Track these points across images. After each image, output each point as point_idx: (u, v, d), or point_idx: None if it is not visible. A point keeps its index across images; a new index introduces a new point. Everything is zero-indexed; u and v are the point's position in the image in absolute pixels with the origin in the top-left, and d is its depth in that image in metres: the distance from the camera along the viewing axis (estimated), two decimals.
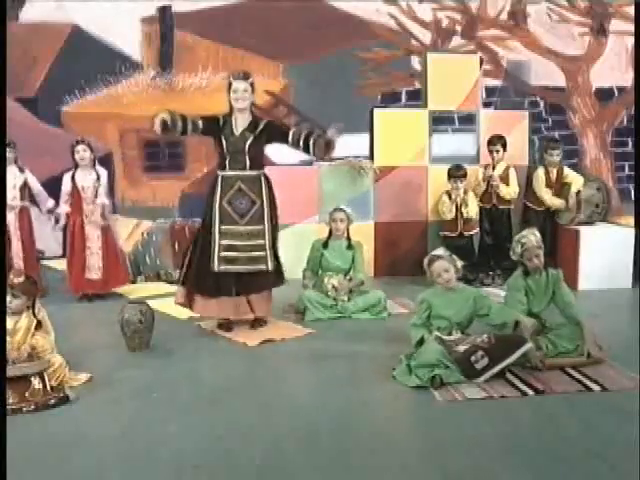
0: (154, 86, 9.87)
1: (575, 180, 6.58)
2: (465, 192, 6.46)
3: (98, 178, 6.08)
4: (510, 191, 6.58)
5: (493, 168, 6.59)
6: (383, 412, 3.64)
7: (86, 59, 9.37)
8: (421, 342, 4.08)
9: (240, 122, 4.85)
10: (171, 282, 6.79)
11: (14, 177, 6.06)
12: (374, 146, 7.05)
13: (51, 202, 6.26)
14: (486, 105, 8.49)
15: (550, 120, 10.14)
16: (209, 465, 2.98)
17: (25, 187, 6.18)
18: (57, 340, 3.99)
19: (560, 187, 6.57)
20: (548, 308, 4.38)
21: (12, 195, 6.01)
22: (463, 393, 3.72)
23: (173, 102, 9.44)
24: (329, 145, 4.77)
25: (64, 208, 6.11)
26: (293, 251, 5.78)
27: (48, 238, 6.96)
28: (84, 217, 6.05)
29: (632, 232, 6.41)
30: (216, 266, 4.81)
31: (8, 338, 3.68)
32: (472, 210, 6.45)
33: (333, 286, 5.48)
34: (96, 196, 6.06)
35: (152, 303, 4.98)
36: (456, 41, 9.86)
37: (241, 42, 9.80)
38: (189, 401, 3.72)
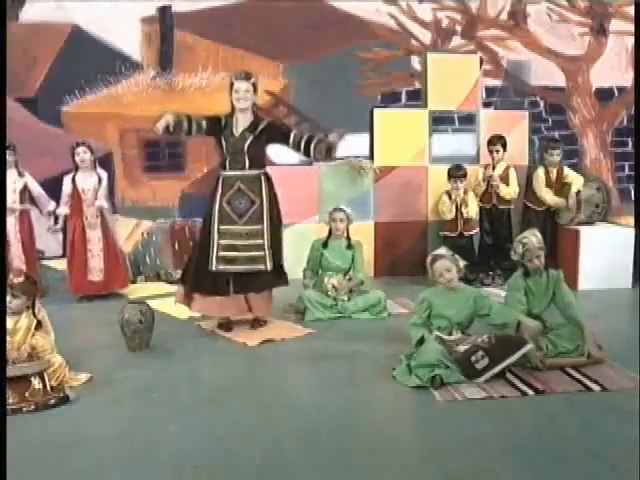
0: (154, 86, 9.87)
1: (575, 180, 6.58)
2: (465, 192, 6.46)
3: (100, 181, 6.08)
4: (510, 191, 6.58)
5: (493, 168, 6.59)
6: (383, 412, 3.64)
7: (86, 59, 9.37)
8: (421, 341, 4.08)
9: (241, 122, 4.86)
10: (171, 282, 6.80)
11: (14, 181, 6.05)
12: (374, 146, 7.05)
13: (52, 204, 6.24)
14: (486, 105, 8.49)
15: (550, 120, 10.14)
16: (209, 465, 2.98)
17: (25, 191, 6.18)
18: (57, 340, 3.99)
19: (560, 187, 6.57)
20: (548, 309, 4.38)
21: (12, 199, 6.00)
22: (463, 393, 3.72)
23: (173, 102, 9.45)
24: (330, 150, 4.78)
25: (64, 210, 6.12)
26: (293, 251, 5.78)
27: (48, 238, 6.96)
28: (84, 219, 6.05)
29: (632, 232, 6.41)
30: (214, 266, 4.81)
31: (8, 338, 3.68)
32: (472, 210, 6.45)
33: (333, 286, 5.48)
34: (96, 198, 6.06)
35: (152, 303, 4.98)
36: (456, 41, 9.86)
37: (241, 42, 9.80)
38: (189, 401, 3.72)
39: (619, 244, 6.36)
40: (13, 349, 3.71)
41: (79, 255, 6.04)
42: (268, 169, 5.01)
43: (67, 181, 6.07)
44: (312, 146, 4.77)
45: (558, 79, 10.00)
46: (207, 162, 9.37)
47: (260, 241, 4.84)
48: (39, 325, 3.89)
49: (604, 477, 2.86)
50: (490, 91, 9.63)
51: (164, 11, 9.80)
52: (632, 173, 9.65)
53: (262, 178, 4.90)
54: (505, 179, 6.58)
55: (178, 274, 6.88)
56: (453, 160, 6.75)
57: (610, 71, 9.97)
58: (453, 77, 7.04)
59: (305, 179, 6.81)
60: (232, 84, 4.83)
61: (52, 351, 3.88)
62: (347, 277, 5.59)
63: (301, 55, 9.95)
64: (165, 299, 5.94)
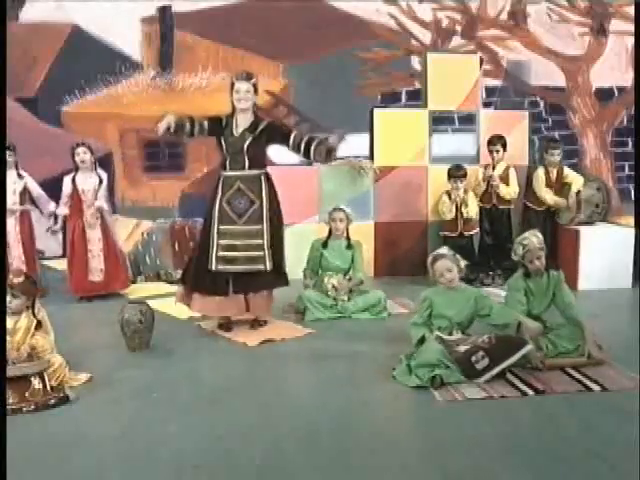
0: (154, 86, 9.87)
1: (575, 180, 6.58)
2: (465, 192, 6.46)
3: (100, 181, 6.08)
4: (510, 191, 6.58)
5: (493, 168, 6.59)
6: (383, 412, 3.64)
7: (86, 59, 9.37)
8: (421, 341, 4.08)
9: (241, 123, 4.86)
10: (171, 282, 6.80)
11: (14, 182, 6.05)
12: (374, 146, 7.05)
13: (52, 205, 6.23)
14: (486, 105, 8.49)
15: (550, 120, 10.14)
16: (209, 465, 2.98)
17: (25, 192, 6.17)
18: (57, 340, 3.99)
19: (560, 187, 6.57)
20: (548, 309, 4.38)
21: (12, 200, 6.00)
22: (463, 393, 3.72)
23: (173, 102, 9.46)
24: (330, 152, 4.78)
25: (63, 210, 6.11)
26: (293, 251, 5.77)
27: (48, 238, 6.96)
28: (84, 220, 6.05)
29: (632, 232, 6.41)
30: (214, 266, 4.81)
31: (8, 338, 3.68)
32: (472, 210, 6.45)
33: (333, 286, 5.48)
34: (96, 199, 6.06)
35: (152, 303, 4.98)
36: (456, 41, 9.86)
37: (241, 42, 9.80)
38: (189, 401, 3.72)
39: (619, 244, 6.36)
40: (13, 349, 3.71)
41: (79, 256, 6.04)
42: (268, 169, 5.01)
43: (67, 181, 6.07)
44: (312, 148, 4.77)
45: (558, 79, 10.00)
46: (207, 162, 9.37)
47: (259, 241, 4.84)
48: (39, 325, 3.89)
49: (604, 477, 2.86)
50: (490, 91, 9.63)
51: (164, 11, 9.80)
52: (632, 173, 9.65)
53: (262, 178, 4.90)
54: (505, 179, 6.58)
55: (178, 274, 6.89)
56: (453, 160, 6.75)
57: (610, 71, 9.97)
58: (453, 77, 7.04)
59: (305, 179, 6.81)
60: (233, 84, 4.83)
61: (52, 351, 3.88)
62: (347, 277, 5.59)
63: (301, 55, 9.95)
64: (165, 299, 5.94)
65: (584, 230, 6.40)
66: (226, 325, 5.05)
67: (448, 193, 6.50)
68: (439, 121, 7.89)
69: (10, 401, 3.52)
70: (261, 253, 4.83)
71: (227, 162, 4.88)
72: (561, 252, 6.36)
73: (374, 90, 9.85)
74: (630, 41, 9.04)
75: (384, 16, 9.67)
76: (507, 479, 2.85)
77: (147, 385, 3.95)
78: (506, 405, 3.60)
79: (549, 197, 6.54)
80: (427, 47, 9.60)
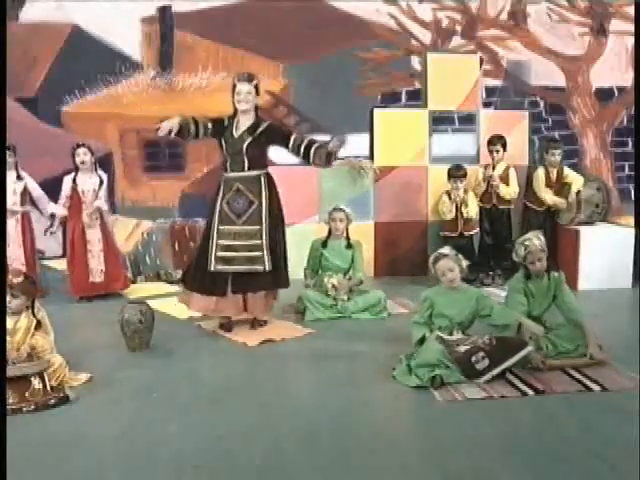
0: (154, 86, 9.86)
1: (575, 180, 6.58)
2: (465, 192, 6.46)
3: (100, 182, 6.08)
4: (510, 191, 6.58)
5: (493, 168, 6.59)
6: (383, 412, 3.64)
7: (86, 59, 9.36)
8: (422, 341, 4.08)
9: (242, 124, 4.87)
10: (171, 282, 6.81)
11: (14, 182, 6.05)
12: (374, 146, 7.06)
13: (52, 206, 6.22)
14: (486, 105, 8.49)
15: (550, 120, 10.13)
16: (209, 465, 2.98)
17: (25, 192, 6.17)
18: (57, 340, 3.99)
19: (560, 187, 6.57)
20: (549, 309, 4.38)
21: (12, 201, 5.99)
22: (463, 393, 3.72)
23: (173, 102, 9.46)
24: (330, 156, 4.77)
25: (61, 211, 6.11)
26: (293, 251, 5.74)
27: (48, 238, 6.94)
28: (82, 220, 6.04)
29: (632, 232, 6.41)
30: (213, 266, 4.82)
31: (8, 338, 3.68)
32: (472, 210, 6.45)
33: (333, 285, 5.48)
34: (97, 198, 6.06)
35: (152, 303, 4.98)
36: (456, 41, 9.86)
37: (241, 42, 9.79)
38: (189, 401, 3.72)
39: (619, 244, 6.36)
40: (13, 349, 3.71)
41: (79, 256, 6.04)
42: (269, 169, 5.01)
43: (67, 181, 6.07)
44: (312, 151, 4.77)
45: (558, 79, 10.00)
46: (207, 162, 9.37)
47: (258, 242, 4.83)
48: (39, 325, 3.88)
49: (604, 477, 2.86)
50: (490, 91, 9.62)
51: (164, 11, 9.79)
52: (632, 173, 9.65)
53: (262, 179, 4.90)
54: (505, 179, 6.58)
55: (178, 274, 6.91)
56: (453, 160, 6.75)
57: (610, 71, 9.97)
58: (453, 77, 7.04)
59: (305, 179, 6.80)
60: (234, 85, 4.84)
61: (52, 351, 3.88)
62: (347, 277, 5.59)
63: (301, 55, 9.94)
64: (165, 299, 5.95)
65: (584, 230, 6.40)
66: (226, 325, 5.06)
67: (448, 193, 6.50)
68: (439, 121, 7.89)
69: (10, 401, 3.52)
70: (260, 253, 4.83)
71: (227, 163, 4.90)
72: (561, 252, 6.36)
73: (374, 90, 9.85)
74: (630, 41, 9.04)
75: (384, 16, 9.67)
76: (507, 479, 2.85)
77: (147, 385, 3.95)
78: (506, 405, 3.60)
79: (548, 197, 6.54)
80: (427, 47, 9.60)
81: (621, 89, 10.04)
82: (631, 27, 8.55)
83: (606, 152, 10.08)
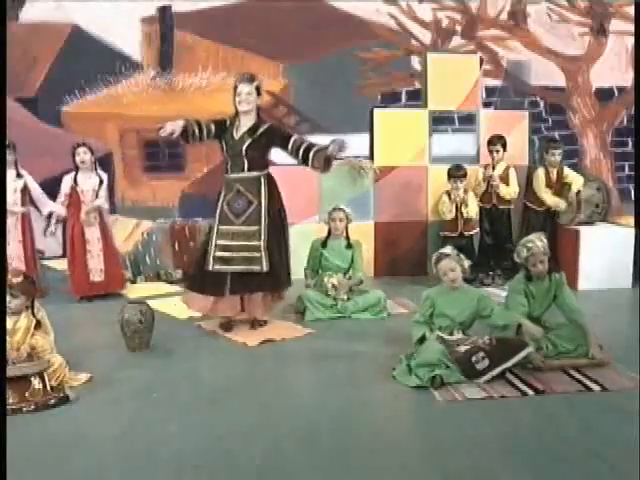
0: (154, 86, 9.87)
1: (575, 180, 6.58)
2: (465, 192, 6.46)
3: (100, 182, 6.08)
4: (510, 191, 6.58)
5: (493, 168, 6.59)
6: (383, 412, 3.64)
7: (86, 59, 9.37)
8: (422, 340, 4.08)
9: (243, 125, 4.88)
10: (171, 282, 6.81)
11: (13, 181, 6.05)
12: (374, 146, 7.05)
13: (51, 205, 6.21)
14: (486, 105, 8.49)
15: (550, 120, 10.13)
16: (209, 465, 2.98)
17: (25, 191, 6.17)
18: (57, 340, 3.99)
19: (560, 187, 6.57)
20: (549, 310, 4.38)
21: (12, 199, 5.99)
22: (463, 393, 3.72)
23: (173, 102, 9.47)
24: (329, 160, 4.77)
25: (61, 210, 6.10)
26: (293, 251, 5.76)
27: (48, 238, 6.96)
28: (80, 220, 6.04)
29: (632, 232, 6.41)
30: (211, 265, 4.83)
31: (7, 338, 3.68)
32: (472, 210, 6.45)
33: (333, 285, 5.48)
34: (97, 197, 6.06)
35: (152, 303, 4.98)
36: (456, 41, 9.86)
37: (241, 42, 9.80)
38: (189, 401, 3.72)
39: (619, 244, 6.36)
40: (13, 349, 3.71)
41: (79, 256, 6.03)
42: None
43: (67, 180, 6.06)
44: (311, 155, 4.77)
45: (558, 79, 10.00)
46: (207, 162, 9.38)
47: (256, 242, 4.83)
48: (38, 325, 3.88)
49: (604, 477, 2.86)
50: (490, 91, 9.63)
51: (164, 11, 9.80)
52: (632, 173, 9.65)
53: (262, 179, 4.90)
54: (505, 179, 6.58)
55: (178, 274, 6.93)
56: (453, 160, 6.74)
57: (610, 71, 9.97)
58: (453, 77, 7.04)
59: (305, 179, 6.79)
60: (235, 86, 4.84)
61: (52, 351, 3.88)
62: (347, 276, 5.59)
63: (301, 55, 9.95)
64: (165, 299, 5.95)
65: (584, 230, 6.40)
66: (226, 325, 5.05)
67: (448, 193, 6.49)
68: (439, 121, 7.89)
69: (10, 401, 3.52)
70: (258, 254, 4.83)
71: (228, 165, 4.92)
72: (561, 252, 6.36)
73: (374, 90, 9.85)
74: (630, 41, 9.04)
75: (384, 16, 9.68)
76: (507, 479, 2.85)
77: (147, 385, 3.95)
78: (506, 405, 3.60)
79: (548, 197, 6.54)
80: (427, 47, 9.60)
81: (621, 89, 10.04)
82: (631, 27, 8.55)
83: (606, 152, 10.09)
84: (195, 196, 9.26)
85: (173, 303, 5.67)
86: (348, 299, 5.47)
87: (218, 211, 4.89)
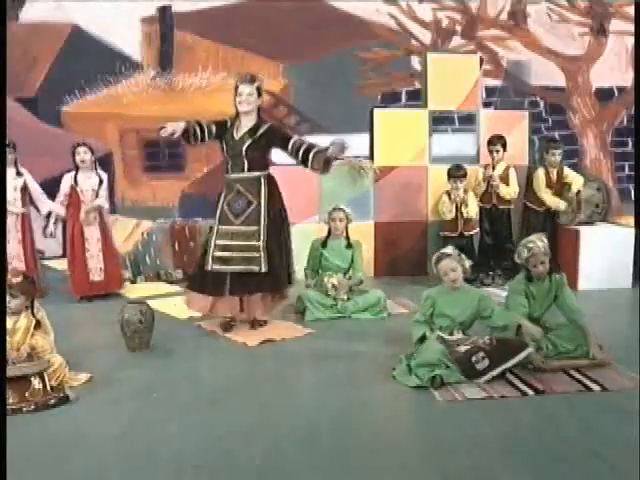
0: (154, 86, 9.87)
1: (575, 180, 6.58)
2: (465, 192, 6.46)
3: (101, 182, 6.08)
4: (510, 191, 6.58)
5: (493, 168, 6.59)
6: (383, 412, 3.64)
7: (86, 59, 9.38)
8: (422, 340, 4.08)
9: (243, 125, 4.88)
10: (171, 282, 6.81)
11: (13, 179, 6.05)
12: (374, 146, 7.05)
13: (49, 204, 6.21)
14: (486, 105, 8.49)
15: (550, 120, 10.14)
16: (209, 465, 2.98)
17: (25, 189, 6.17)
18: (57, 340, 3.99)
19: (560, 187, 6.57)
20: (549, 310, 4.38)
21: (12, 197, 5.99)
22: (463, 393, 3.72)
23: (173, 102, 9.47)
24: (329, 162, 4.77)
25: (60, 209, 6.10)
26: (293, 251, 5.77)
27: (48, 238, 6.96)
28: (79, 219, 6.04)
29: (632, 232, 6.41)
30: (209, 265, 4.83)
31: (7, 338, 3.68)
32: (472, 210, 6.45)
33: (333, 285, 5.48)
34: (97, 197, 6.06)
35: (152, 303, 4.98)
36: (456, 41, 9.87)
37: (241, 42, 9.80)
38: (189, 401, 3.71)
39: (619, 244, 6.36)
40: (13, 349, 3.71)
41: (79, 255, 6.03)
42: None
43: (67, 179, 6.06)
44: (310, 156, 4.77)
45: (558, 79, 10.00)
46: (207, 162, 9.38)
47: (255, 242, 4.83)
48: (38, 325, 3.88)
49: (604, 477, 2.86)
50: (490, 91, 9.63)
51: (164, 11, 9.80)
52: (632, 173, 9.66)
53: (262, 179, 4.90)
54: (505, 179, 6.58)
55: (178, 274, 6.94)
56: (453, 160, 6.74)
57: (610, 71, 9.97)
58: (453, 77, 7.04)
59: (305, 179, 6.78)
60: (236, 87, 4.85)
61: (52, 351, 3.88)
62: (347, 276, 5.59)
63: (301, 55, 9.95)
64: (165, 299, 5.95)
65: (584, 230, 6.40)
66: (226, 325, 5.05)
67: (448, 193, 6.49)
68: (439, 121, 7.89)
69: (10, 401, 3.52)
70: (256, 254, 4.82)
71: (228, 165, 4.93)
72: (561, 252, 6.36)
73: (374, 90, 9.86)
74: (630, 41, 9.04)
75: (384, 16, 9.68)
76: (507, 479, 2.85)
77: (147, 385, 3.95)
78: (506, 405, 3.60)
79: (548, 197, 6.53)
80: (427, 47, 9.61)
81: (621, 89, 10.05)
82: (631, 27, 8.55)
83: (606, 152, 10.09)
84: (195, 196, 9.27)
85: (173, 303, 5.67)
86: (348, 299, 5.47)
87: (218, 211, 4.90)
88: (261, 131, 4.86)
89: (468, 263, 4.21)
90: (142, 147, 9.86)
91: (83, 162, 6.02)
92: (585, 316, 4.29)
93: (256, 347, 4.68)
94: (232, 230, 4.84)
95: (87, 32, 9.49)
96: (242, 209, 4.85)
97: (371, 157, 7.00)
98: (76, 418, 3.51)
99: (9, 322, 3.75)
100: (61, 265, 6.89)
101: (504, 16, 9.86)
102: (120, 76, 9.68)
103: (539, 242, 4.21)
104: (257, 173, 4.89)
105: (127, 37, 9.56)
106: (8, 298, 3.75)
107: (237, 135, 4.86)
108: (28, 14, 9.32)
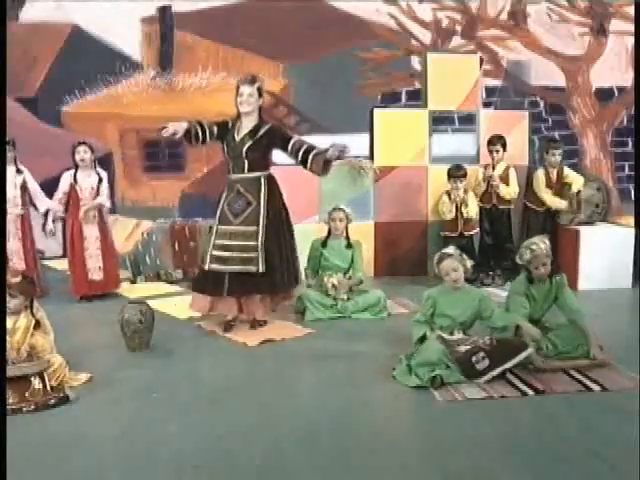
0: (154, 86, 9.88)
1: (575, 180, 6.58)
2: (465, 192, 6.45)
3: (100, 180, 6.08)
4: (510, 191, 6.58)
5: (493, 168, 6.58)
6: (383, 412, 3.64)
7: (86, 59, 9.38)
8: (422, 339, 4.08)
9: (244, 126, 4.89)
10: (171, 282, 6.81)
11: (13, 176, 6.05)
12: (374, 146, 7.05)
13: (48, 203, 6.20)
14: (486, 105, 8.49)
15: (550, 120, 10.14)
16: (209, 465, 2.98)
17: (25, 186, 6.17)
18: (57, 340, 3.99)
19: (560, 187, 6.57)
20: (549, 310, 4.38)
21: (12, 194, 6.00)
22: (463, 393, 3.72)
23: (173, 102, 9.48)
24: (328, 164, 4.78)
25: (58, 207, 6.10)
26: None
27: (48, 238, 6.97)
28: (80, 216, 6.03)
29: (632, 232, 6.41)
30: (208, 265, 4.83)
31: (7, 338, 3.68)
32: (472, 210, 6.45)
33: (333, 285, 5.48)
34: (98, 195, 6.06)
35: (152, 303, 4.98)
36: (456, 41, 9.88)
37: (241, 42, 9.81)
38: (189, 401, 3.71)
39: (619, 244, 6.35)
40: (12, 349, 3.71)
41: (78, 255, 6.03)
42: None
43: (66, 177, 6.04)
44: (310, 157, 4.78)
45: (558, 79, 10.01)
46: (207, 162, 9.39)
47: (254, 242, 4.83)
48: (38, 325, 3.88)
49: (604, 477, 2.86)
50: (490, 91, 9.63)
51: (164, 11, 9.81)
52: (632, 173, 9.66)
53: (262, 180, 4.91)
54: (505, 179, 6.57)
55: (178, 274, 6.93)
56: (453, 160, 6.74)
57: (610, 71, 9.98)
58: (453, 77, 7.03)
59: (305, 179, 6.74)
60: (237, 87, 4.85)
61: (52, 351, 3.88)
62: (347, 276, 5.59)
63: (301, 55, 9.96)
64: (165, 299, 5.95)
65: (584, 230, 6.40)
66: (226, 325, 5.05)
67: (448, 193, 6.49)
68: (439, 121, 7.88)
69: (10, 401, 3.52)
70: (254, 254, 4.82)
71: (230, 165, 4.93)
72: (561, 252, 6.34)
73: (374, 90, 9.86)
74: (630, 41, 9.04)
75: (384, 16, 9.69)
76: (507, 479, 2.85)
77: (147, 385, 3.95)
78: (506, 405, 3.60)
79: (548, 197, 6.53)
80: (427, 47, 9.61)
81: (621, 89, 10.05)
82: (631, 27, 8.55)
83: (606, 152, 10.09)
84: (195, 196, 9.27)
85: (173, 303, 5.67)
86: (348, 299, 5.47)
87: (218, 211, 4.91)
88: (262, 132, 4.87)
89: (470, 263, 4.21)
90: (142, 147, 9.86)
91: (83, 161, 6.02)
92: (585, 316, 4.30)
93: (256, 347, 4.68)
94: (231, 230, 4.85)
95: (87, 32, 9.49)
96: (241, 209, 4.86)
97: (371, 157, 6.99)
98: (76, 418, 3.51)
99: (9, 322, 3.74)
100: (61, 265, 6.89)
101: (504, 16, 9.86)
102: (120, 76, 9.69)
103: (542, 244, 4.20)
104: (257, 173, 4.89)
105: (127, 37, 9.57)
106: (7, 298, 3.75)
107: (238, 136, 4.87)
108: (28, 14, 9.33)
